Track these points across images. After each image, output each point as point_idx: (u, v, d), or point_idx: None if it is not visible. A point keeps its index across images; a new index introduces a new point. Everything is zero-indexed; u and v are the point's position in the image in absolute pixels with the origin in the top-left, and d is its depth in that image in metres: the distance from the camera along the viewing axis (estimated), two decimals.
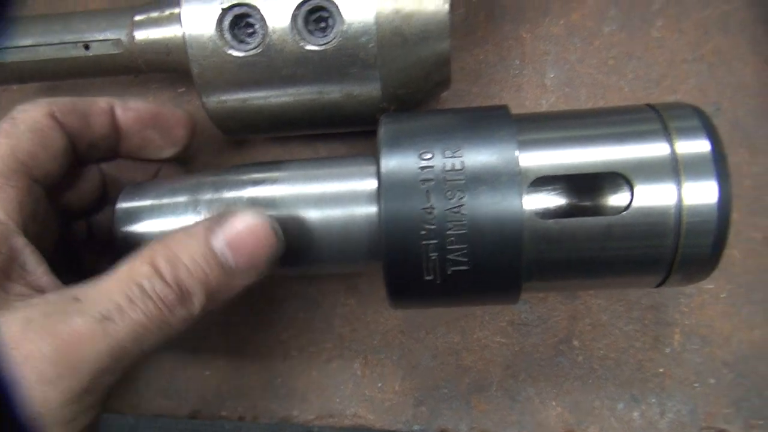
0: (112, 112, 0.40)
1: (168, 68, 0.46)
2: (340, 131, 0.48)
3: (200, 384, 0.49)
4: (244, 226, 0.34)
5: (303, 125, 0.45)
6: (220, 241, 0.34)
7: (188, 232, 0.34)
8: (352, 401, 0.47)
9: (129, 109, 0.41)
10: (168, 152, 0.43)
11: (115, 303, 0.31)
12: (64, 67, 0.47)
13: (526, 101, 0.51)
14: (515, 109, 0.51)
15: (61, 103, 0.38)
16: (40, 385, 0.29)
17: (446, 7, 0.40)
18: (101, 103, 0.40)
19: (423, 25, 0.40)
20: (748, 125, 0.48)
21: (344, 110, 0.43)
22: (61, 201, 0.41)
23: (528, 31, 0.53)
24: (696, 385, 0.44)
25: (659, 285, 0.37)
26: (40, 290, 0.33)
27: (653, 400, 0.44)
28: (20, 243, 0.33)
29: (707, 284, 0.45)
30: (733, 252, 0.45)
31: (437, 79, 0.43)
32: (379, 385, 0.47)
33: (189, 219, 0.39)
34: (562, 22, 0.52)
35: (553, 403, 0.45)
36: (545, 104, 0.51)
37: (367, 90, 0.41)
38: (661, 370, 0.44)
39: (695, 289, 0.45)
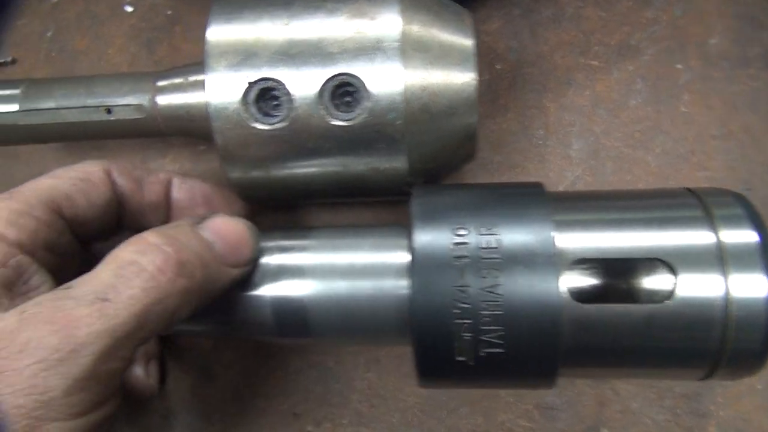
0: (168, 185, 0.42)
1: (190, 134, 0.46)
2: (364, 200, 0.47)
3: None
4: (224, 221, 0.38)
5: (326, 196, 0.44)
6: (205, 230, 0.36)
7: (174, 223, 0.36)
8: None
9: (185, 184, 0.42)
10: None
11: (107, 282, 0.30)
12: (85, 130, 0.46)
13: (550, 173, 0.51)
14: (539, 181, 0.51)
15: (120, 165, 0.40)
16: (41, 372, 0.28)
17: (474, 81, 0.40)
18: (160, 174, 0.41)
19: (450, 101, 0.39)
20: None
21: (369, 183, 0.42)
22: (95, 247, 0.41)
23: (552, 101, 0.52)
24: None
25: (703, 379, 0.35)
26: None
27: None
28: (25, 261, 0.34)
29: None
30: None
31: (463, 153, 0.43)
32: None
33: None
34: (587, 92, 0.52)
35: None
36: (570, 177, 0.50)
37: (393, 165, 0.40)
38: None
39: None
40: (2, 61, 0.60)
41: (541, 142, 0.51)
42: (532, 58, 0.53)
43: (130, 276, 0.31)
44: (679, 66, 0.51)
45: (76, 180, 0.37)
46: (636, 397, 0.43)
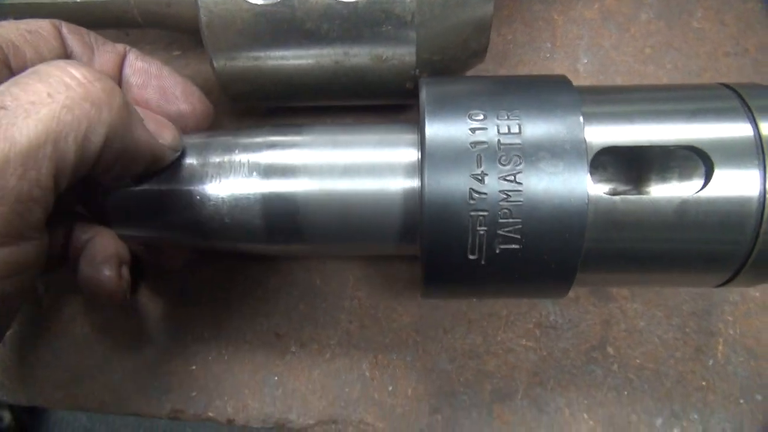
0: (122, 59, 0.37)
1: (167, 23, 0.41)
2: (363, 103, 0.43)
3: (184, 380, 0.43)
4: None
5: (322, 93, 0.40)
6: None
7: None
8: (359, 406, 0.42)
9: (141, 62, 0.37)
10: None
11: (3, 88, 0.27)
12: (43, 15, 0.41)
13: None
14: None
15: (73, 26, 0.35)
16: None
17: None
18: (117, 45, 0.37)
19: None
20: None
21: (371, 77, 0.38)
22: None
23: (560, 13, 0.49)
24: (741, 401, 0.40)
25: (722, 285, 0.33)
26: None
27: (695, 417, 0.40)
28: None
29: (753, 291, 0.41)
30: None
31: (474, 47, 0.39)
32: (390, 388, 0.42)
33: (196, 183, 0.34)
34: (597, 6, 0.49)
35: (585, 416, 0.40)
36: None
37: (400, 53, 0.36)
38: (703, 383, 0.40)
39: (740, 296, 0.41)
40: None
41: (548, 55, 0.48)
42: None
43: (71, 82, 0.27)
44: None
45: (24, 31, 0.33)
46: (643, 316, 0.41)
